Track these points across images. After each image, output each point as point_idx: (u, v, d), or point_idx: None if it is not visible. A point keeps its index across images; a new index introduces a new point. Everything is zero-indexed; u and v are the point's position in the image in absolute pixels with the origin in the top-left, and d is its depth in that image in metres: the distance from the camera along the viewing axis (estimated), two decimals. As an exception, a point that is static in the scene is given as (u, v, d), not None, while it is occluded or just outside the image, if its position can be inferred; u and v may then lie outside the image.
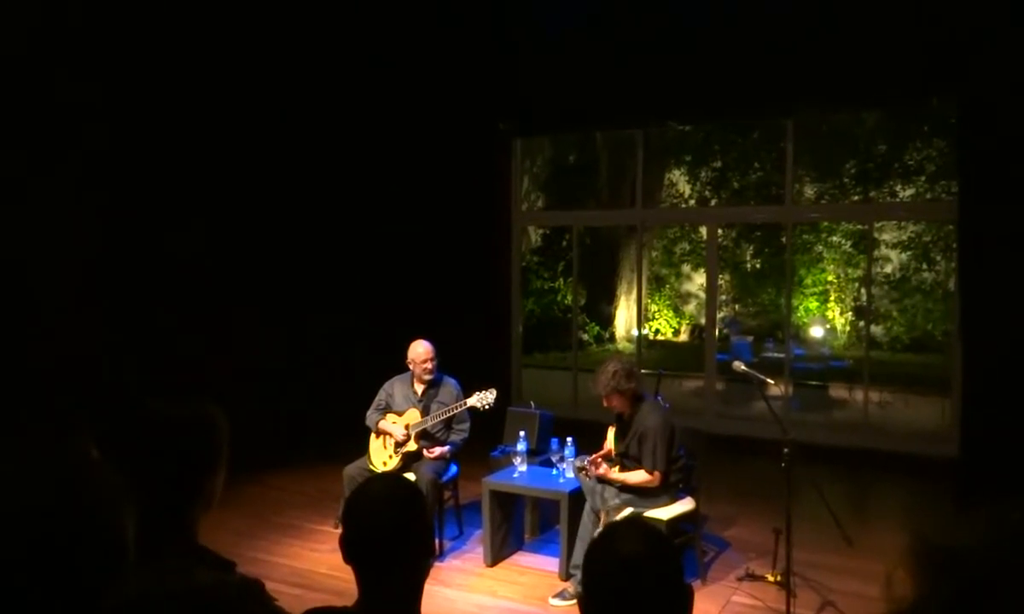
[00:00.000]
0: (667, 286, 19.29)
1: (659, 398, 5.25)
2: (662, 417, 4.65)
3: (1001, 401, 6.39)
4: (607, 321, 18.35)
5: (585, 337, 17.15)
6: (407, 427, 5.30)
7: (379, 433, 5.39)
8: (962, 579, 0.84)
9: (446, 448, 5.31)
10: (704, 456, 5.03)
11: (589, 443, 5.23)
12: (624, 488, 4.68)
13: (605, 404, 4.72)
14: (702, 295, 15.64)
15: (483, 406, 5.18)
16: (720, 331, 12.66)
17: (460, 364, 5.76)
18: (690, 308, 19.38)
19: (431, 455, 5.25)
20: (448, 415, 5.27)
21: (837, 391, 12.39)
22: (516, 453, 5.26)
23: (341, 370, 7.51)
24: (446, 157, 8.52)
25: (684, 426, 4.99)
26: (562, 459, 5.17)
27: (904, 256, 16.62)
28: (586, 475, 4.76)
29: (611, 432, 4.98)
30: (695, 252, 18.32)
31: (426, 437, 5.34)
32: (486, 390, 5.20)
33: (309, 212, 7.91)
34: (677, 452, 4.73)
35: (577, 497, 4.86)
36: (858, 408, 9.23)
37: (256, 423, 5.65)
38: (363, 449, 5.45)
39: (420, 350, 5.34)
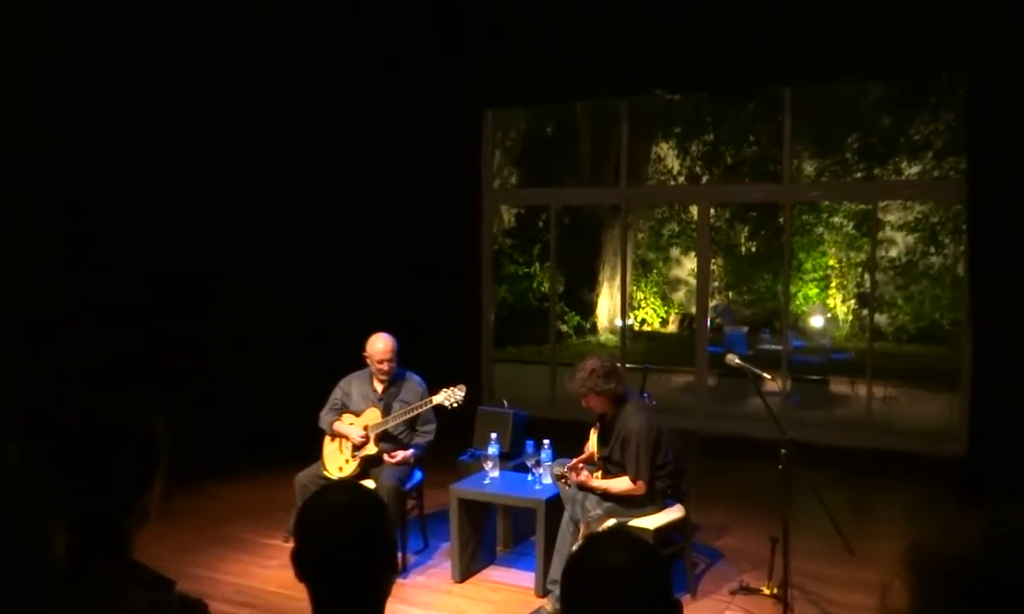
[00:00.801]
0: (654, 272, 19.41)
1: (645, 396, 5.28)
2: (647, 419, 4.63)
3: (1012, 396, 6.51)
4: (588, 310, 18.43)
5: (564, 328, 17.20)
6: (366, 428, 5.27)
7: (334, 436, 5.34)
8: (961, 586, 0.86)
9: (409, 452, 5.29)
10: (695, 459, 5.03)
11: (568, 446, 5.20)
12: (607, 496, 4.68)
13: (584, 404, 4.71)
14: (692, 281, 15.67)
15: (451, 405, 5.17)
16: (712, 321, 12.73)
17: (425, 358, 5.76)
18: (679, 296, 19.53)
19: (393, 460, 5.23)
20: (411, 415, 5.24)
21: (838, 386, 12.57)
22: (487, 457, 5.24)
23: (292, 366, 7.43)
24: (410, 129, 8.46)
25: (672, 426, 5.01)
26: (538, 464, 5.15)
27: (910, 239, 16.85)
28: (565, 483, 4.76)
29: (593, 434, 4.99)
30: (685, 234, 18.43)
31: (387, 439, 5.30)
32: (454, 387, 5.19)
33: (254, 194, 7.72)
34: (664, 457, 4.72)
35: (555, 506, 4.85)
36: (861, 404, 9.36)
37: (198, 426, 5.51)
38: (316, 454, 5.40)
39: (379, 346, 5.31)
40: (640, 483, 4.61)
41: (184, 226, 7.26)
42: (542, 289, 17.06)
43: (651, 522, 4.66)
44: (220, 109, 7.41)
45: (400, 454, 5.24)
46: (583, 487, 4.74)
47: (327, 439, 5.38)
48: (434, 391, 5.25)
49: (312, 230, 8.13)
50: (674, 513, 4.82)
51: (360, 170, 8.44)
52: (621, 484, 4.66)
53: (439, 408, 5.23)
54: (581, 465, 4.81)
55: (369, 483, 4.93)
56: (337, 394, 5.41)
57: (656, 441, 4.66)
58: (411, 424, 5.32)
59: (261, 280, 7.75)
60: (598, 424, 4.90)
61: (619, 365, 4.87)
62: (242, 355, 7.56)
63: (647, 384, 5.68)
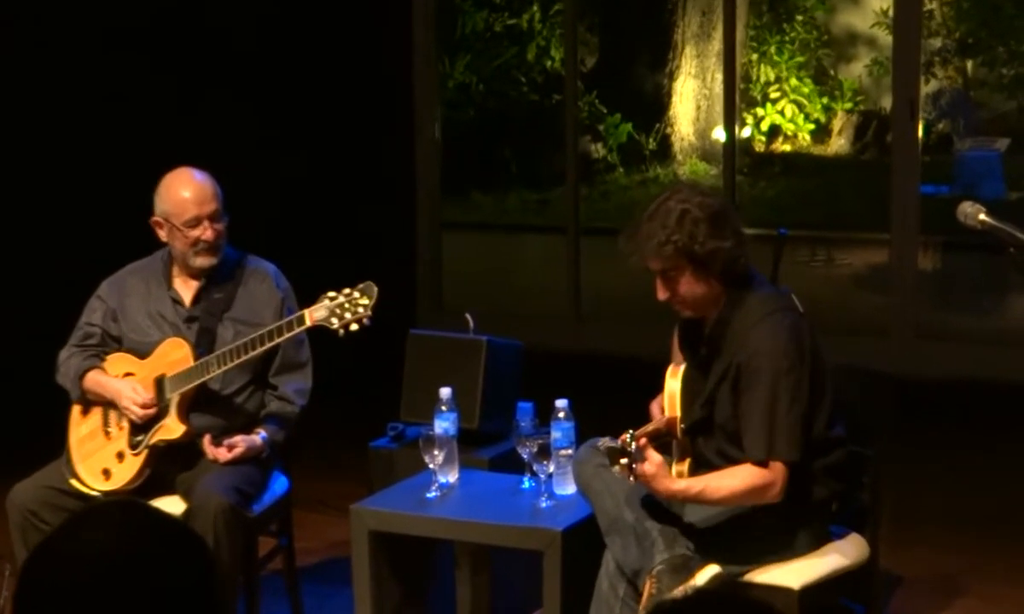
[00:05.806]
0: (798, 19, 12.41)
1: (785, 292, 3.58)
2: (791, 334, 3.14)
3: None
4: (652, 111, 11.90)
5: (598, 149, 11.46)
6: (159, 380, 3.65)
7: (91, 404, 3.74)
8: None
9: (259, 436, 3.62)
10: (891, 432, 3.53)
11: (611, 411, 3.46)
12: (706, 534, 3.07)
13: (661, 295, 3.13)
14: (883, 39, 10.14)
15: (342, 326, 3.56)
16: (927, 127, 8.38)
17: (290, 227, 5.13)
18: (854, 71, 12.37)
19: (220, 453, 3.58)
20: (260, 349, 3.56)
21: None
22: (431, 440, 3.63)
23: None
24: None
25: (843, 365, 3.56)
26: (545, 451, 3.49)
27: None
28: (629, 469, 3.04)
29: (673, 376, 3.30)
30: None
31: (208, 407, 3.67)
32: (350, 289, 3.61)
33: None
34: (828, 427, 3.13)
35: (584, 543, 3.30)
36: None
37: None
38: (54, 447, 3.79)
39: (185, 193, 3.60)
40: (776, 468, 2.98)
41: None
42: (548, 64, 11.69)
43: (794, 576, 3.06)
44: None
45: (238, 441, 3.54)
46: (654, 489, 3.06)
47: (75, 411, 3.73)
48: (310, 299, 3.56)
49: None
50: (846, 554, 3.22)
51: None
52: (732, 479, 3.05)
53: (319, 333, 3.60)
54: (647, 440, 3.03)
55: (170, 502, 3.55)
56: (95, 314, 3.72)
57: (813, 382, 3.09)
58: (260, 369, 3.71)
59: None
60: (680, 357, 3.22)
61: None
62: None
63: (783, 270, 3.97)
